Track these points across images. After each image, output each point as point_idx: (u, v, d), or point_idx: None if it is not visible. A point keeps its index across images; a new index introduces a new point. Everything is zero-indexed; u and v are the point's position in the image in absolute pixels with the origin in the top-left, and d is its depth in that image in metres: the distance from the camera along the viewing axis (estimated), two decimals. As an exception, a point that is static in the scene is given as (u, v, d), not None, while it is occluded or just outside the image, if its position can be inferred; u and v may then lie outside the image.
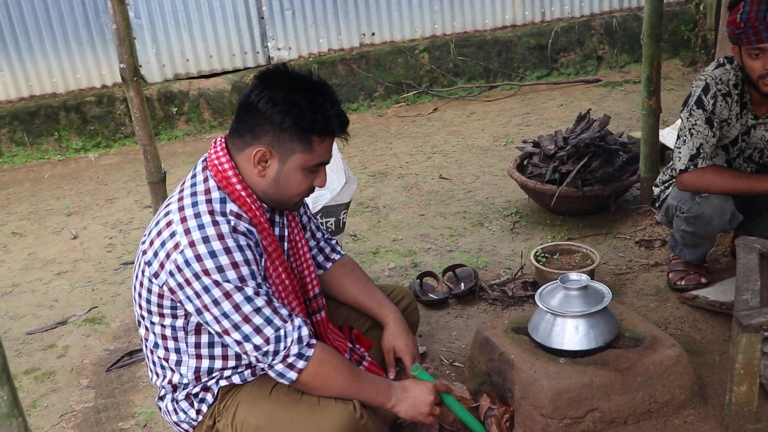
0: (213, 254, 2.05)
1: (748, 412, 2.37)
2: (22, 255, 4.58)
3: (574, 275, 2.68)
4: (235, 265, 2.07)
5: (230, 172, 2.18)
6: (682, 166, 3.02)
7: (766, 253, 2.59)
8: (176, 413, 2.35)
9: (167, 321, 2.22)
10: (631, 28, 7.20)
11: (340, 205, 3.13)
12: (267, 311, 2.11)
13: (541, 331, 2.64)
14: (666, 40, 7.16)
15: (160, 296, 2.17)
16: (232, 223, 2.12)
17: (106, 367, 3.30)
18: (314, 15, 6.84)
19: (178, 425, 2.38)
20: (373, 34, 7.01)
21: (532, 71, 7.12)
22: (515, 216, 4.32)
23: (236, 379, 2.30)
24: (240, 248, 2.09)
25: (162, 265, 2.10)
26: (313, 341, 2.17)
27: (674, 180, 3.14)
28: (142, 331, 2.33)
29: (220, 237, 2.07)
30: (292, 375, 2.14)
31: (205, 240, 2.06)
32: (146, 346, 2.35)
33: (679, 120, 3.17)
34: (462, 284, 3.51)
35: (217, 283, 2.06)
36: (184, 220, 2.10)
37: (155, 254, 2.12)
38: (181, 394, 2.33)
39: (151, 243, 2.14)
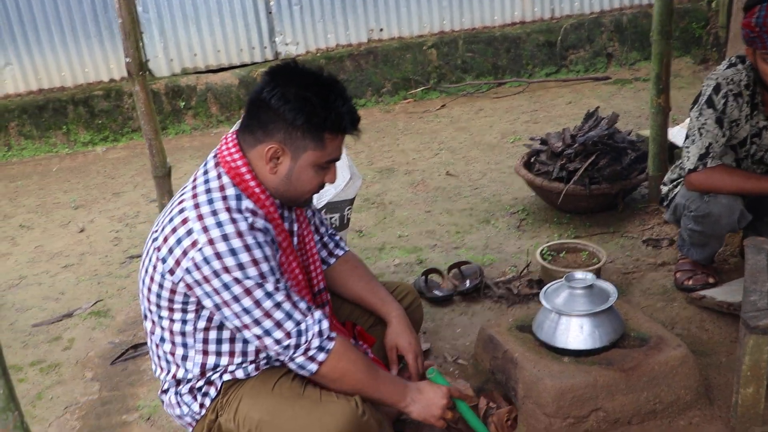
0: (233, 252, 2.06)
1: (755, 414, 2.35)
2: (29, 248, 4.59)
3: (579, 274, 2.67)
4: (255, 262, 2.08)
5: (244, 169, 2.17)
6: (691, 165, 3.00)
7: (774, 254, 2.57)
8: (179, 407, 2.35)
9: (177, 316, 2.22)
10: (641, 26, 7.16)
11: (344, 201, 3.12)
12: (287, 306, 2.13)
13: (545, 330, 2.63)
14: (677, 37, 7.12)
15: (173, 292, 2.16)
16: (249, 220, 2.12)
17: (110, 360, 3.31)
18: (322, 10, 6.82)
19: (181, 419, 2.38)
20: (381, 29, 6.99)
21: (541, 68, 7.09)
22: (522, 213, 4.30)
23: (240, 374, 2.30)
24: (259, 245, 2.10)
25: (178, 263, 2.10)
26: (333, 334, 2.19)
27: (682, 179, 3.12)
28: (148, 324, 2.33)
29: (239, 234, 2.07)
30: (313, 367, 2.17)
31: (225, 238, 2.06)
32: (151, 340, 2.35)
33: (689, 119, 3.14)
34: (467, 281, 3.49)
35: (237, 281, 2.06)
36: (200, 217, 2.09)
37: (170, 251, 2.11)
38: (184, 388, 2.33)
39: (165, 239, 2.13)
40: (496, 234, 4.12)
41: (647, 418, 2.52)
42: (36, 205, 5.29)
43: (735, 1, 6.07)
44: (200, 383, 2.31)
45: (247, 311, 2.09)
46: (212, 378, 2.30)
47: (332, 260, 2.65)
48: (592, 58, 7.15)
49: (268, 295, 2.10)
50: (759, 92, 2.99)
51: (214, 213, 2.10)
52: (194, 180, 2.22)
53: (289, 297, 2.14)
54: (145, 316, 2.33)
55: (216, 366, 2.29)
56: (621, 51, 7.20)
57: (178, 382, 2.34)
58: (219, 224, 2.08)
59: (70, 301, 3.87)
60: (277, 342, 2.13)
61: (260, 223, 2.15)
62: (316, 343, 2.15)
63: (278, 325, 2.11)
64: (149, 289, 2.22)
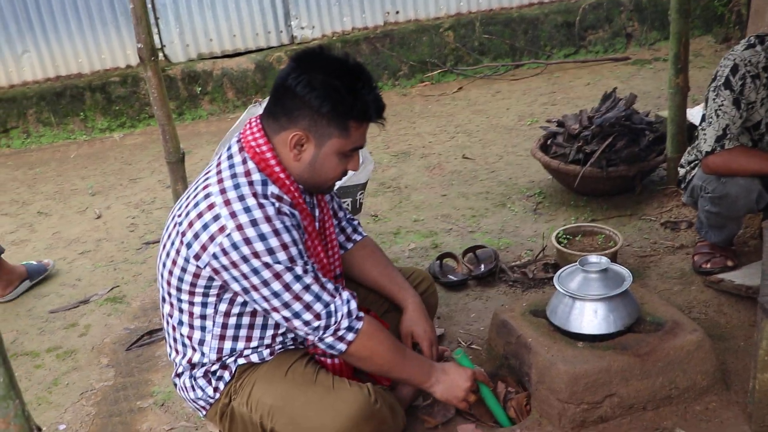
0: (263, 237, 2.06)
1: (772, 399, 2.32)
2: (47, 234, 4.61)
3: (593, 258, 2.63)
4: (284, 246, 2.09)
5: (269, 155, 2.17)
6: (708, 147, 2.94)
7: (792, 236, 2.52)
8: (193, 390, 2.37)
9: (197, 299, 2.23)
10: (661, 4, 7.03)
11: (356, 186, 3.10)
12: (316, 288, 2.14)
13: (559, 315, 2.60)
14: (698, 15, 7.00)
15: (196, 276, 2.17)
16: (276, 205, 2.12)
17: (126, 346, 3.32)
18: (338, -7, 6.79)
19: (195, 402, 2.40)
20: (397, 12, 6.93)
21: (559, 49, 7.00)
22: (538, 197, 4.26)
23: (254, 358, 2.31)
24: (287, 229, 2.11)
25: (204, 248, 2.10)
26: (362, 314, 2.22)
27: (699, 161, 3.06)
28: (166, 307, 2.34)
29: (268, 219, 2.08)
30: (342, 346, 2.20)
31: (253, 223, 2.06)
32: (168, 323, 2.36)
33: (705, 99, 3.09)
34: (482, 266, 3.47)
35: (267, 265, 2.07)
36: (228, 203, 2.09)
37: (195, 236, 2.12)
38: (199, 372, 2.34)
39: (190, 224, 2.13)
40: (512, 217, 4.08)
41: (662, 404, 2.49)
42: (54, 191, 5.31)
43: (757, -22, 5.95)
44: (215, 367, 2.32)
45: (276, 295, 2.11)
46: (227, 362, 2.32)
47: (349, 245, 2.65)
48: (611, 39, 7.05)
49: (298, 278, 2.11)
50: None
51: (242, 198, 2.10)
52: (218, 164, 2.21)
53: (317, 279, 2.16)
54: (164, 299, 2.34)
55: (232, 351, 2.31)
56: (641, 31, 7.09)
57: (193, 366, 2.35)
58: (247, 209, 2.08)
59: (86, 287, 3.89)
60: (306, 323, 2.15)
61: (286, 208, 2.16)
62: (345, 323, 2.18)
63: (307, 307, 2.14)
64: (171, 273, 2.23)
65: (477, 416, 2.57)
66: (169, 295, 2.30)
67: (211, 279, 2.17)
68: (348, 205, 3.13)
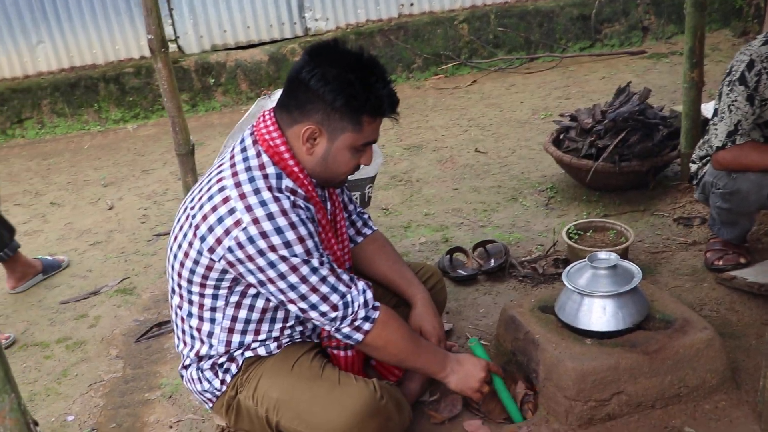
0: (279, 230, 2.06)
1: (782, 399, 2.29)
2: (59, 225, 4.63)
3: (603, 254, 2.61)
4: (301, 239, 2.09)
5: (282, 148, 2.16)
6: (718, 143, 2.91)
7: (805, 234, 2.49)
8: (200, 382, 2.37)
9: (208, 291, 2.23)
10: (678, -2, 6.98)
11: (365, 179, 3.08)
12: (332, 279, 2.15)
13: (567, 311, 2.57)
14: (716, 9, 6.93)
15: (209, 269, 2.17)
16: (291, 198, 2.12)
17: (135, 337, 3.33)
18: (352, -15, 6.76)
19: (202, 395, 2.40)
20: (411, 4, 6.90)
21: (575, 42, 6.95)
22: (550, 191, 4.23)
23: (261, 351, 2.31)
24: (303, 222, 2.11)
25: (219, 241, 2.10)
26: (378, 304, 2.24)
27: (710, 157, 3.03)
28: (176, 299, 2.34)
29: (284, 213, 2.08)
30: (359, 336, 2.21)
31: (270, 216, 2.06)
32: (177, 314, 2.36)
33: (719, 93, 3.04)
34: (492, 260, 3.45)
35: (284, 258, 2.08)
36: (243, 196, 2.09)
37: (210, 229, 2.11)
38: (206, 364, 2.34)
39: (204, 218, 2.13)
40: (523, 212, 4.06)
41: (671, 402, 2.46)
42: (67, 182, 5.34)
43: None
44: (222, 359, 2.33)
45: (293, 287, 2.12)
46: (234, 354, 2.32)
47: (360, 239, 2.64)
48: (627, 32, 6.99)
49: (314, 270, 2.12)
50: None
51: (257, 191, 2.09)
52: (232, 157, 2.21)
53: (333, 270, 2.17)
54: (173, 291, 2.34)
55: (241, 343, 2.31)
56: (657, 24, 7.02)
57: (201, 358, 2.35)
58: (263, 203, 2.08)
59: (97, 278, 3.90)
60: (323, 315, 2.16)
61: (301, 201, 2.16)
62: (362, 313, 2.19)
63: (324, 298, 2.15)
64: (182, 265, 2.22)
65: (484, 412, 2.56)
66: (179, 287, 2.29)
67: (224, 272, 2.16)
68: (357, 198, 3.12)
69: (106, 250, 4.21)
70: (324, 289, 2.14)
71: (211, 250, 2.12)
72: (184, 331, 2.36)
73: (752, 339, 2.78)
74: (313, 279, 2.12)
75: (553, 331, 2.58)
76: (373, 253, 2.64)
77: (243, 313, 2.26)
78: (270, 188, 2.11)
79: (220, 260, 2.12)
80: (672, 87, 5.73)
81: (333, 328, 2.20)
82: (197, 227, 2.14)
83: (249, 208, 2.07)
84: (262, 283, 2.13)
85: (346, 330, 2.20)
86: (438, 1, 6.93)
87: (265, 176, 2.13)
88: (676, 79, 5.87)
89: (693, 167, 3.26)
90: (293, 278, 2.10)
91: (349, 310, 2.18)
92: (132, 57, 6.63)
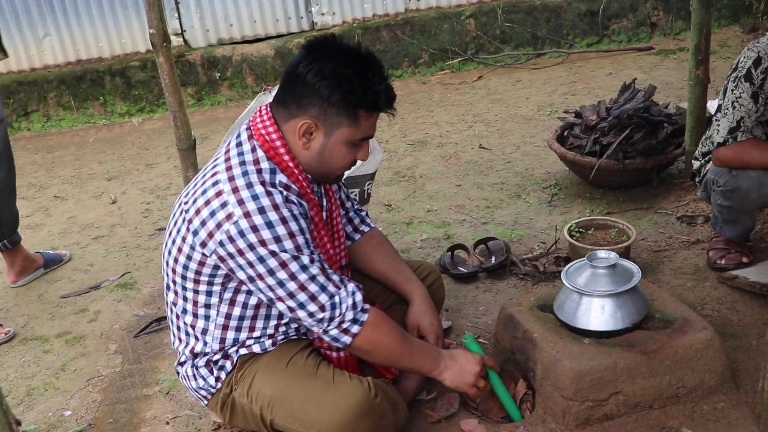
0: (270, 225, 2.05)
1: (780, 400, 2.26)
2: (62, 219, 4.63)
3: (602, 253, 2.59)
4: (291, 235, 2.07)
5: (278, 143, 2.16)
6: (720, 139, 2.88)
7: (807, 234, 2.46)
8: (195, 379, 2.37)
9: (202, 288, 2.22)
10: (687, -6, 6.93)
11: (364, 176, 3.07)
12: (321, 279, 2.12)
13: (566, 310, 2.55)
14: (725, 5, 6.87)
15: (201, 264, 2.17)
16: (284, 193, 2.11)
17: (134, 332, 3.32)
18: (358, -20, 6.74)
19: (197, 392, 2.40)
20: (418, -1, 6.89)
21: (582, 38, 6.91)
22: (554, 188, 4.21)
23: (256, 348, 2.30)
24: (294, 218, 2.09)
25: (211, 235, 2.09)
26: (367, 306, 2.20)
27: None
28: (170, 296, 2.34)
29: (276, 207, 2.07)
30: (347, 339, 2.17)
31: (261, 210, 2.05)
32: (172, 311, 2.36)
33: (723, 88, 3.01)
34: (493, 258, 3.43)
35: (273, 254, 2.06)
36: (236, 190, 2.08)
37: (202, 223, 2.11)
38: (201, 361, 2.34)
39: (198, 212, 2.12)
40: (526, 209, 4.03)
41: (669, 403, 2.44)
42: (71, 176, 5.34)
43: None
44: (217, 356, 2.32)
45: (281, 284, 2.10)
46: (229, 352, 2.31)
47: (357, 236, 2.63)
48: (635, 28, 6.94)
49: (304, 268, 2.10)
50: None
51: (250, 185, 2.09)
52: (227, 152, 2.20)
53: (323, 270, 2.14)
54: (168, 287, 2.34)
55: (235, 340, 2.30)
56: (665, 20, 6.97)
57: (195, 355, 2.35)
58: (255, 197, 2.07)
59: (98, 272, 3.90)
60: (311, 315, 2.13)
61: (294, 197, 2.15)
62: (350, 315, 2.15)
63: (312, 298, 2.12)
64: (176, 260, 2.22)
65: (482, 411, 2.55)
66: (174, 283, 2.29)
67: (216, 267, 2.16)
68: (356, 195, 3.10)
69: (108, 244, 4.21)
70: (312, 287, 2.11)
71: (203, 245, 2.11)
72: (179, 328, 2.35)
73: (753, 339, 2.75)
74: (302, 276, 2.10)
75: (551, 331, 2.57)
76: (371, 250, 2.63)
77: (237, 310, 2.25)
78: (263, 183, 2.10)
79: (211, 255, 2.12)
80: (679, 84, 5.68)
81: (321, 330, 2.17)
82: (190, 221, 2.14)
83: (241, 202, 2.06)
84: (251, 280, 2.11)
85: (334, 332, 2.17)
86: (445, -5, 6.90)
87: (259, 171, 2.12)
88: (683, 76, 5.81)
89: (695, 164, 3.23)
90: (282, 274, 2.08)
91: (337, 312, 2.14)
92: (138, 50, 6.63)
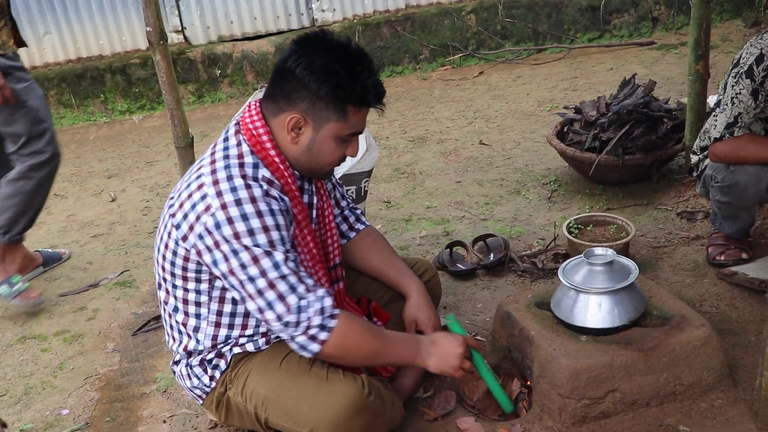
0: (245, 217, 2.03)
1: (778, 398, 2.25)
2: (61, 217, 4.63)
3: (599, 250, 2.57)
4: (266, 229, 2.05)
5: (265, 137, 2.15)
6: (717, 134, 2.87)
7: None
8: (190, 379, 2.36)
9: (191, 285, 2.22)
10: (689, -12, 6.89)
11: (361, 173, 3.06)
12: (293, 279, 2.08)
13: (563, 308, 2.54)
14: (728, -1, 6.85)
15: (186, 259, 2.16)
16: (265, 187, 2.10)
17: (132, 330, 3.32)
18: (359, -24, 6.72)
19: (192, 391, 2.40)
20: (419, -5, 6.86)
21: (583, 33, 6.88)
22: (554, 184, 4.19)
23: (250, 347, 2.29)
24: (272, 212, 2.07)
25: (191, 228, 2.09)
26: (337, 311, 2.13)
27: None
28: (162, 294, 2.33)
29: (253, 200, 2.05)
30: (314, 347, 2.11)
31: (238, 203, 2.04)
32: (165, 310, 2.36)
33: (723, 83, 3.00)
34: (492, 255, 3.42)
35: (246, 247, 2.04)
36: (216, 182, 2.08)
37: (185, 216, 2.11)
38: (195, 360, 2.33)
39: (181, 205, 2.13)
40: (526, 205, 4.02)
41: (666, 400, 2.43)
42: (71, 173, 5.34)
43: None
44: (211, 355, 2.31)
45: (252, 279, 2.06)
46: (223, 350, 2.30)
47: (352, 234, 2.62)
48: (636, 23, 6.91)
49: (276, 265, 2.06)
50: None
51: (230, 178, 2.08)
52: (214, 147, 2.21)
53: (296, 271, 2.10)
54: (159, 285, 2.34)
55: (227, 338, 2.29)
56: (667, 15, 6.94)
57: (189, 354, 2.34)
58: (233, 189, 2.06)
59: (97, 271, 3.90)
60: (278, 318, 2.08)
61: (275, 192, 2.13)
62: (317, 321, 2.09)
63: (281, 297, 2.07)
64: (164, 257, 2.22)
65: (479, 409, 2.54)
66: (165, 280, 2.29)
67: (200, 263, 2.15)
68: (353, 192, 3.09)
69: (107, 242, 4.21)
70: (282, 286, 2.06)
71: (185, 239, 2.11)
72: (172, 327, 2.35)
73: (752, 336, 2.74)
74: (273, 274, 2.05)
75: (548, 328, 2.56)
76: (366, 247, 2.62)
77: (227, 308, 2.24)
78: (244, 176, 2.09)
79: (191, 249, 2.11)
80: (680, 78, 5.65)
81: (288, 336, 2.10)
82: (173, 215, 2.15)
83: (219, 194, 2.05)
84: (225, 276, 2.09)
85: (300, 339, 2.09)
86: (445, -9, 6.88)
87: (242, 165, 2.12)
88: (684, 71, 5.73)
89: (694, 158, 3.21)
90: (253, 270, 2.05)
91: (303, 316, 2.07)
92: (139, 48, 6.62)
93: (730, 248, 3.15)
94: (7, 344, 3.33)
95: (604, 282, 2.49)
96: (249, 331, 2.28)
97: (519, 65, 6.57)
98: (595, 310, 2.48)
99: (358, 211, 2.67)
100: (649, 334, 2.46)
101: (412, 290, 2.56)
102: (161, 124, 6.21)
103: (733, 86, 2.88)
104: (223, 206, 2.04)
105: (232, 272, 2.07)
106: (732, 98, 2.87)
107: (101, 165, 5.43)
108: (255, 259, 2.05)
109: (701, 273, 3.16)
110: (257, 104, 2.21)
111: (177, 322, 2.32)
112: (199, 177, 2.13)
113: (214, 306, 2.24)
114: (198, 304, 2.25)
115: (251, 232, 2.03)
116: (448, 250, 3.48)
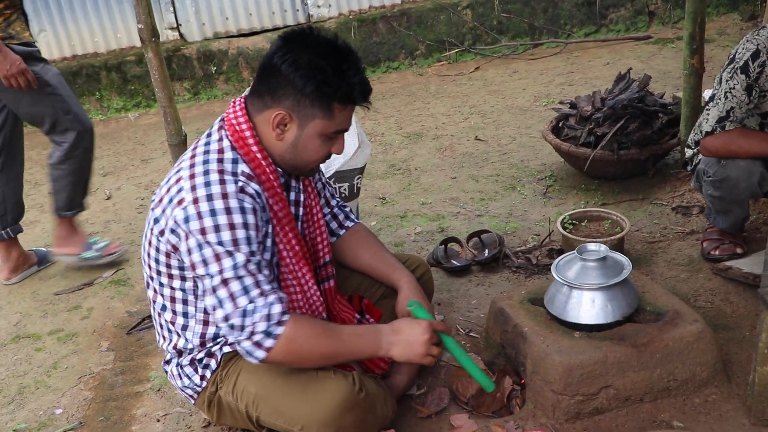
0: (213, 213, 2.02)
1: (771, 393, 2.25)
2: (57, 215, 4.61)
3: (592, 246, 2.57)
4: (231, 227, 2.03)
5: (247, 133, 2.14)
6: (708, 128, 2.86)
7: (799, 225, 2.44)
8: (181, 378, 2.36)
9: (176, 283, 2.21)
10: (685, -18, 6.86)
11: (353, 170, 3.05)
12: (248, 281, 2.04)
13: (556, 304, 2.54)
14: (724, -7, 6.83)
15: (167, 255, 2.16)
16: (240, 183, 2.08)
17: (126, 329, 3.32)
18: (354, -29, 6.71)
19: (184, 391, 2.39)
20: (414, -10, 6.84)
21: (580, 28, 6.86)
22: (549, 180, 4.18)
23: None
24: (242, 210, 2.05)
25: (167, 221, 2.09)
26: (285, 318, 2.07)
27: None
28: (150, 293, 2.33)
29: (224, 196, 2.04)
30: (260, 354, 2.06)
31: (209, 198, 2.03)
32: (154, 309, 2.35)
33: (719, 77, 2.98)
34: (486, 251, 3.41)
35: (209, 243, 2.02)
36: (192, 176, 2.07)
37: (163, 211, 2.12)
38: (185, 360, 2.33)
39: (161, 200, 2.14)
40: (521, 201, 4.01)
41: (660, 396, 2.42)
42: (67, 172, 5.31)
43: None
44: (201, 354, 2.30)
45: (210, 276, 2.04)
46: (213, 349, 2.30)
47: (342, 231, 2.61)
48: (633, 17, 6.89)
49: (234, 266, 2.03)
50: None
51: (206, 173, 2.07)
52: (196, 143, 2.21)
53: (254, 274, 2.05)
54: (148, 284, 2.33)
55: (216, 336, 2.28)
56: (664, 9, 6.92)
57: (180, 353, 2.34)
58: (207, 184, 2.05)
59: (91, 269, 3.88)
60: (226, 318, 2.04)
61: (252, 188, 2.10)
62: (261, 327, 2.04)
63: (231, 297, 2.03)
64: (149, 255, 2.22)
65: (472, 406, 2.53)
66: (152, 279, 2.29)
67: (180, 260, 2.15)
68: (345, 190, 3.08)
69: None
70: (235, 287, 2.02)
71: (162, 233, 2.11)
72: (161, 325, 2.34)
73: (746, 330, 2.73)
74: (229, 274, 2.02)
75: (541, 324, 2.55)
76: (356, 244, 2.61)
77: None
78: (221, 171, 2.07)
79: (167, 243, 2.11)
80: (677, 73, 5.63)
81: (234, 340, 2.07)
82: (153, 209, 2.15)
83: (193, 188, 2.05)
84: (193, 268, 2.07)
85: (245, 345, 2.05)
86: (441, -14, 6.85)
87: (221, 160, 2.11)
88: (681, 65, 5.78)
89: (688, 152, 3.20)
90: (213, 267, 2.02)
91: (248, 320, 2.02)
92: (134, 45, 6.58)
93: (724, 243, 3.14)
94: (1, 343, 3.33)
95: (597, 278, 2.48)
96: None
97: (515, 60, 6.56)
98: (588, 306, 2.47)
99: (347, 209, 2.67)
100: (642, 329, 2.46)
101: (403, 283, 2.54)
102: (157, 121, 6.18)
103: (727, 81, 2.87)
104: (195, 201, 2.03)
105: (194, 266, 2.07)
106: (726, 92, 2.86)
107: (96, 163, 5.35)
108: (217, 257, 2.02)
109: (696, 268, 3.16)
110: (242, 100, 2.20)
111: (166, 320, 2.32)
112: (178, 171, 2.14)
113: (201, 304, 2.24)
114: (185, 302, 2.24)
115: (217, 228, 2.02)
116: (443, 246, 3.48)
